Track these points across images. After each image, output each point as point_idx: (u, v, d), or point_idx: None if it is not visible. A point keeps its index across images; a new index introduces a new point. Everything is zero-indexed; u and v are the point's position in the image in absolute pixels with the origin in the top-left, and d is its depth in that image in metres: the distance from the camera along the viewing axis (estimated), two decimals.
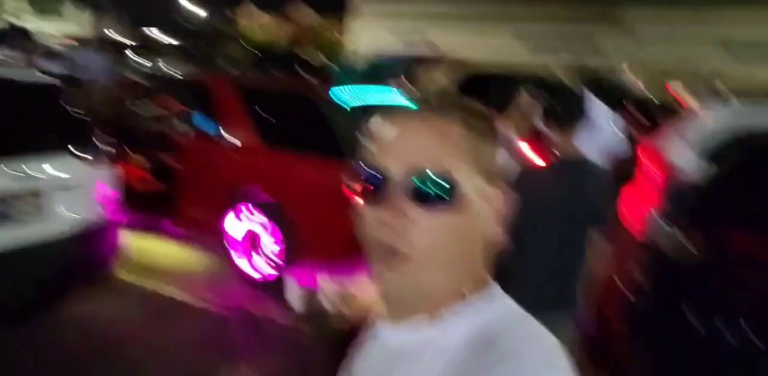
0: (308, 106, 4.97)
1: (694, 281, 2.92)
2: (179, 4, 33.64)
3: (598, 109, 4.87)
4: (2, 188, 3.50)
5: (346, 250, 4.74)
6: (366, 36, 28.27)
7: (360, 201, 0.83)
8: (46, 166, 3.76)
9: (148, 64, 13.58)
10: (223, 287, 5.01)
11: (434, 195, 0.79)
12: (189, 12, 34.44)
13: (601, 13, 22.13)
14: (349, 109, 5.10)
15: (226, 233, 5.10)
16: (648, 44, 21.22)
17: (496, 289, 0.86)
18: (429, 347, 0.80)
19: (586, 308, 2.71)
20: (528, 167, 2.59)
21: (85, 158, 4.00)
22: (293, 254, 4.82)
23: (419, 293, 0.81)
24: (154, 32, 18.58)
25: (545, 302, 2.62)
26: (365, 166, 0.83)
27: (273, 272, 4.91)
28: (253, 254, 5.00)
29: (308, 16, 50.29)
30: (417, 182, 0.79)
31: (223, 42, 26.83)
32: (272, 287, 4.90)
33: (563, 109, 2.50)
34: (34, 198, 3.66)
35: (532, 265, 2.45)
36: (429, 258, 0.79)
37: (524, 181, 2.36)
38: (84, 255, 3.99)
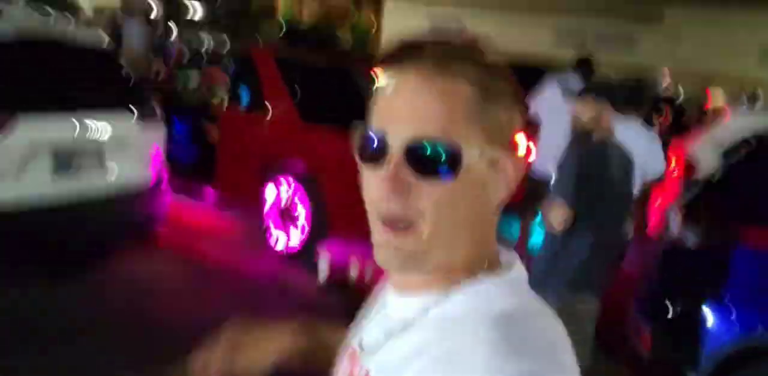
0: (349, 81, 5.05)
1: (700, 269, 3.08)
2: None
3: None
4: (67, 141, 3.68)
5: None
6: (401, 21, 28.36)
7: (362, 164, 0.78)
8: (105, 124, 3.94)
9: (188, 35, 13.79)
10: (256, 255, 5.19)
11: (434, 164, 0.73)
12: None
13: (644, 12, 21.90)
14: None
15: (264, 202, 5.27)
16: (689, 47, 21.01)
17: (515, 271, 0.81)
18: (425, 324, 0.77)
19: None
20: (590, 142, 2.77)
21: (141, 118, 4.18)
22: (325, 227, 4.98)
23: (420, 263, 0.77)
24: (190, 2, 18.73)
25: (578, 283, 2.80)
26: (367, 128, 0.78)
27: (304, 243, 5.07)
28: (288, 224, 5.17)
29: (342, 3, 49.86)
30: (416, 150, 0.73)
31: (257, 16, 26.95)
32: (303, 257, 5.07)
33: (630, 96, 2.71)
34: (95, 153, 3.85)
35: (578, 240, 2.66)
36: (431, 227, 0.74)
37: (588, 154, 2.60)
38: (136, 214, 4.19)
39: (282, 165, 5.28)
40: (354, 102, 5.00)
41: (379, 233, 0.77)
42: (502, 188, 0.78)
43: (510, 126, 0.78)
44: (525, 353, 0.68)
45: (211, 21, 17.63)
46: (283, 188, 5.18)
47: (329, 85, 5.17)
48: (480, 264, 0.79)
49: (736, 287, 2.98)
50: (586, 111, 2.66)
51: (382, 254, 0.77)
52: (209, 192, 5.94)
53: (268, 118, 5.34)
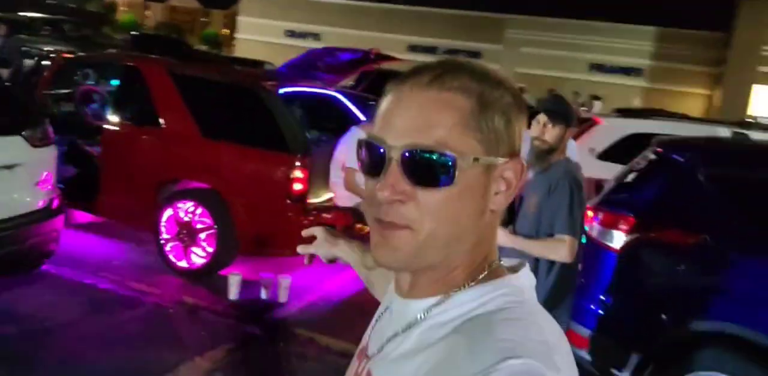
0: (252, 97, 4.98)
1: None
2: None
3: None
4: None
5: (281, 242, 4.91)
6: (254, 34, 28.12)
7: (363, 172, 0.81)
8: None
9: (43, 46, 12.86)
10: (156, 277, 4.96)
11: (429, 173, 0.75)
12: None
13: (486, 35, 23.64)
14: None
15: (160, 222, 5.05)
16: (528, 62, 22.93)
17: (519, 278, 0.82)
18: (425, 326, 0.79)
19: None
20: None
21: (33, 143, 3.88)
22: (232, 244, 4.89)
23: (416, 263, 0.79)
24: (30, 15, 17.34)
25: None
26: (368, 137, 0.80)
27: (209, 261, 4.93)
28: (187, 243, 5.00)
29: (190, 5, 48.63)
30: (413, 160, 0.75)
31: (99, 24, 25.59)
32: (209, 276, 4.93)
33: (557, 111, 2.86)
34: None
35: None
36: (425, 232, 0.76)
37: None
38: (29, 241, 3.87)
39: (181, 183, 5.10)
40: (257, 118, 5.02)
41: (377, 234, 0.79)
42: (500, 194, 0.80)
43: (509, 133, 0.79)
44: (521, 354, 0.68)
45: (52, 31, 16.41)
46: (184, 206, 5.01)
47: (231, 101, 5.07)
48: (480, 268, 0.81)
49: (652, 285, 3.35)
50: (549, 131, 2.82)
51: (380, 254, 0.79)
52: (102, 214, 5.59)
53: (163, 134, 5.15)
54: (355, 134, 5.09)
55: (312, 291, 5.02)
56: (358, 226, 4.99)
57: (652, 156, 3.69)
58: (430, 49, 23.05)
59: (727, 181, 3.39)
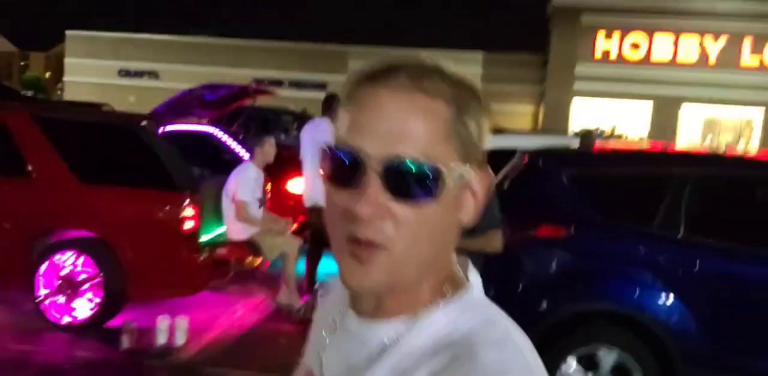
0: (129, 137, 4.85)
1: None
2: None
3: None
4: None
5: (175, 283, 4.81)
6: (84, 74, 26.67)
7: (328, 184, 0.72)
8: None
9: None
10: (40, 335, 4.61)
11: (415, 186, 0.68)
12: None
13: (331, 65, 24.32)
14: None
15: (36, 277, 4.72)
16: None
17: (476, 289, 0.78)
18: (396, 356, 0.73)
19: None
20: None
21: None
22: (122, 292, 4.69)
23: (389, 289, 0.72)
24: None
25: None
26: (336, 144, 0.72)
27: (97, 312, 4.69)
28: (70, 296, 4.71)
29: (4, 48, 45.27)
30: (396, 172, 0.68)
31: None
32: (97, 327, 4.69)
33: None
34: None
35: None
36: (403, 251, 0.70)
37: None
38: None
39: (58, 233, 4.82)
40: (138, 157, 4.89)
41: (346, 256, 0.71)
42: (471, 209, 0.75)
43: (480, 142, 0.74)
44: (507, 371, 0.68)
45: None
46: (63, 257, 4.73)
47: (108, 142, 4.90)
48: (446, 284, 0.76)
49: (534, 275, 3.78)
50: None
51: (353, 277, 0.71)
52: None
53: (34, 183, 4.84)
54: (248, 167, 5.16)
55: (210, 328, 4.95)
56: (250, 259, 5.01)
57: (522, 164, 4.17)
58: (275, 83, 23.22)
59: (583, 181, 3.96)
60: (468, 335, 0.71)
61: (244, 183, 5.02)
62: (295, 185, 6.49)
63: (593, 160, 4.38)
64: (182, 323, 4.61)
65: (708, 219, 3.82)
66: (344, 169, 0.69)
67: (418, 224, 0.69)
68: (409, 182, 0.68)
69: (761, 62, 21.36)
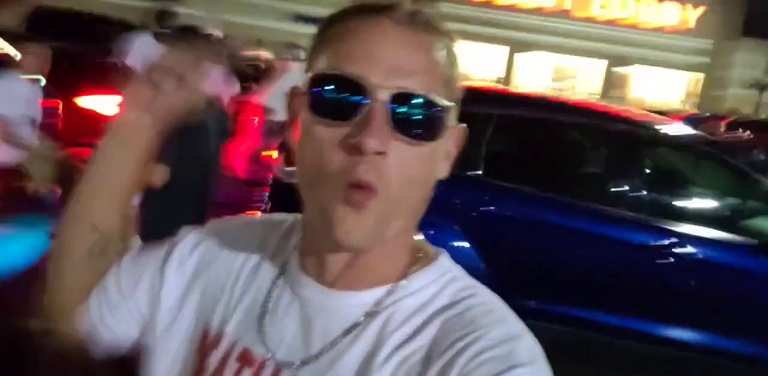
0: None
1: None
2: None
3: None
4: None
5: None
6: None
7: (316, 118, 0.65)
8: None
9: None
10: None
11: (421, 125, 0.64)
12: None
13: None
14: None
15: None
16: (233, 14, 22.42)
17: (444, 252, 0.76)
18: (386, 318, 0.69)
19: None
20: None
21: None
22: None
23: (379, 238, 0.66)
24: None
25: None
26: (332, 73, 0.64)
27: None
28: None
29: None
30: (404, 104, 0.63)
31: None
32: None
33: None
34: None
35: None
36: (396, 197, 0.64)
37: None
38: None
39: None
40: None
41: (340, 202, 0.63)
42: (447, 160, 0.72)
43: (459, 89, 0.70)
44: (503, 320, 0.68)
45: None
46: None
47: None
48: (414, 247, 0.74)
49: None
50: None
51: (347, 229, 0.64)
52: None
53: None
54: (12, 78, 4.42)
55: None
56: (21, 185, 4.38)
57: None
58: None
59: None
60: (460, 305, 0.69)
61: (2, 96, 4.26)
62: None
63: None
64: None
65: (507, 161, 3.71)
66: (344, 99, 0.63)
67: (415, 165, 0.65)
68: (417, 118, 0.64)
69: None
